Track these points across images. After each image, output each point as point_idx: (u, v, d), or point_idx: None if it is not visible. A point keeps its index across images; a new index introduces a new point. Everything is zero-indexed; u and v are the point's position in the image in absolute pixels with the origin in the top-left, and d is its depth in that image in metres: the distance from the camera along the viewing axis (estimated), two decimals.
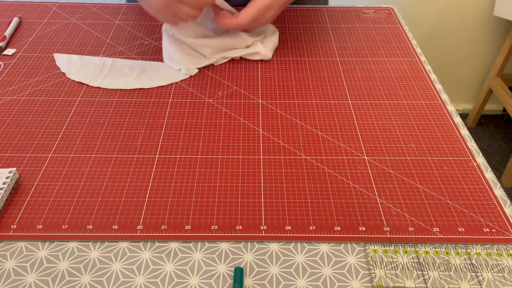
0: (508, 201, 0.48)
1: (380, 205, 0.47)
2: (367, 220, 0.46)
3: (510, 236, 0.44)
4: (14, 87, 0.63)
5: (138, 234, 0.44)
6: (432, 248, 0.43)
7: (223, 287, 0.40)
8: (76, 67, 0.66)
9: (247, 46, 0.67)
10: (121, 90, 0.63)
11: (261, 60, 0.68)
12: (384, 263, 0.42)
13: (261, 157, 0.52)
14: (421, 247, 0.43)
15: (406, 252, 0.43)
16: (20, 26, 0.76)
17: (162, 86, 0.63)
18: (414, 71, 0.67)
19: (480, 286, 0.40)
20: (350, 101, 0.61)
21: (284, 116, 0.58)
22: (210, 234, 0.44)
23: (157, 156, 0.52)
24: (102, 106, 0.60)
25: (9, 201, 0.47)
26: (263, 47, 0.67)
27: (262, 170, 0.51)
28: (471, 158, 0.53)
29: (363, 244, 0.44)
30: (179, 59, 0.65)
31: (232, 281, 0.40)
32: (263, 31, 0.70)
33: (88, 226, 0.45)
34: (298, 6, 0.83)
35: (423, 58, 0.69)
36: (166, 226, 0.45)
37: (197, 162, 0.52)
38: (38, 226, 0.45)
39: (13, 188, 0.48)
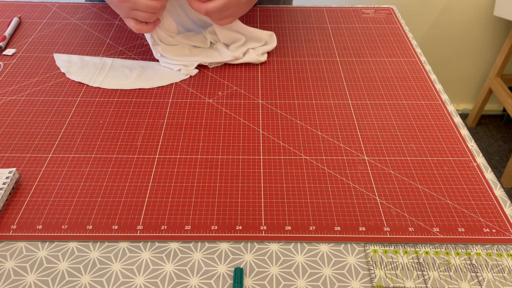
0: (508, 201, 0.48)
1: (380, 205, 0.47)
2: (367, 220, 0.46)
3: (510, 236, 0.44)
4: (14, 87, 0.63)
5: (138, 234, 0.44)
6: (432, 248, 0.43)
7: (223, 287, 0.40)
8: (76, 67, 0.66)
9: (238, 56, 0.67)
10: (121, 90, 0.62)
11: None
12: (384, 263, 0.42)
13: (261, 157, 0.52)
14: (421, 247, 0.43)
15: (406, 252, 0.43)
16: (20, 26, 0.76)
17: (162, 86, 0.63)
18: (414, 71, 0.67)
19: (480, 287, 0.40)
20: (350, 101, 0.61)
21: (284, 116, 0.58)
22: (210, 234, 0.44)
23: (157, 156, 0.52)
24: (102, 106, 0.60)
25: (9, 201, 0.47)
26: (255, 55, 0.66)
27: (262, 170, 0.51)
28: (471, 158, 0.53)
29: (363, 244, 0.44)
30: (175, 62, 0.65)
31: (232, 281, 0.40)
32: (250, 42, 0.68)
33: (88, 226, 0.45)
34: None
35: (423, 58, 0.69)
36: (166, 226, 0.45)
37: (197, 162, 0.52)
38: (38, 226, 0.45)
39: (13, 188, 0.48)
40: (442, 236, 0.44)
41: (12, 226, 0.45)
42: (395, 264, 0.42)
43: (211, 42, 0.68)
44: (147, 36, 0.65)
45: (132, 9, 0.57)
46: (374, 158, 0.52)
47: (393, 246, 0.43)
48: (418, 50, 0.71)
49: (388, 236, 0.44)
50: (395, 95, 0.62)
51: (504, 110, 1.91)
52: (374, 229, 0.45)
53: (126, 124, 0.57)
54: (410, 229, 0.45)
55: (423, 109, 0.60)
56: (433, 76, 0.66)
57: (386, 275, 0.41)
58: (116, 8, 0.59)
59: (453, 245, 0.44)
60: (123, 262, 0.42)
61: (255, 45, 0.68)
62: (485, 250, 0.43)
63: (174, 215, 0.46)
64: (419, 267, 0.42)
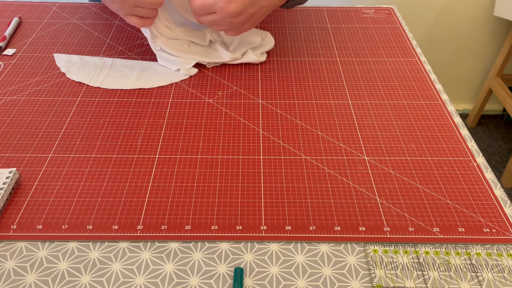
0: (508, 201, 0.48)
1: (380, 205, 0.47)
2: (367, 220, 0.46)
3: (510, 236, 0.44)
4: (14, 87, 0.63)
5: (138, 234, 0.44)
6: (432, 248, 0.43)
7: (223, 287, 0.40)
8: (76, 67, 0.66)
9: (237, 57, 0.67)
10: (121, 90, 0.62)
11: None
12: (384, 263, 0.42)
13: (261, 157, 0.52)
14: (421, 247, 0.43)
15: (406, 252, 0.43)
16: (20, 26, 0.76)
17: (162, 86, 0.63)
18: (414, 71, 0.67)
19: (480, 286, 0.40)
20: (350, 101, 0.61)
21: (284, 116, 0.58)
22: (210, 234, 0.44)
23: (157, 156, 0.52)
24: (102, 106, 0.60)
25: (9, 201, 0.47)
26: (254, 55, 0.66)
27: (262, 170, 0.51)
28: (471, 158, 0.53)
29: (363, 244, 0.44)
30: (173, 59, 0.65)
31: (232, 281, 0.40)
32: (248, 42, 0.68)
33: (88, 226, 0.45)
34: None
35: (423, 58, 0.69)
36: (166, 226, 0.45)
37: (197, 162, 0.52)
38: (38, 226, 0.45)
39: (13, 188, 0.48)
40: (442, 236, 0.44)
41: (12, 226, 0.45)
42: (395, 264, 0.42)
43: (210, 40, 0.68)
44: (144, 30, 0.64)
45: (134, 6, 0.57)
46: (374, 158, 0.52)
47: (393, 246, 0.43)
48: (418, 50, 0.71)
49: (388, 236, 0.44)
50: (395, 95, 0.62)
51: (504, 110, 1.91)
52: (374, 229, 0.45)
53: (126, 124, 0.57)
54: (410, 229, 0.45)
55: (423, 109, 0.60)
56: (433, 76, 0.66)
57: (386, 275, 0.41)
58: (118, 7, 0.59)
59: (453, 245, 0.44)
60: (123, 262, 0.42)
61: (250, 45, 0.67)
62: (485, 250, 0.43)
63: (174, 215, 0.46)
64: (419, 267, 0.42)
